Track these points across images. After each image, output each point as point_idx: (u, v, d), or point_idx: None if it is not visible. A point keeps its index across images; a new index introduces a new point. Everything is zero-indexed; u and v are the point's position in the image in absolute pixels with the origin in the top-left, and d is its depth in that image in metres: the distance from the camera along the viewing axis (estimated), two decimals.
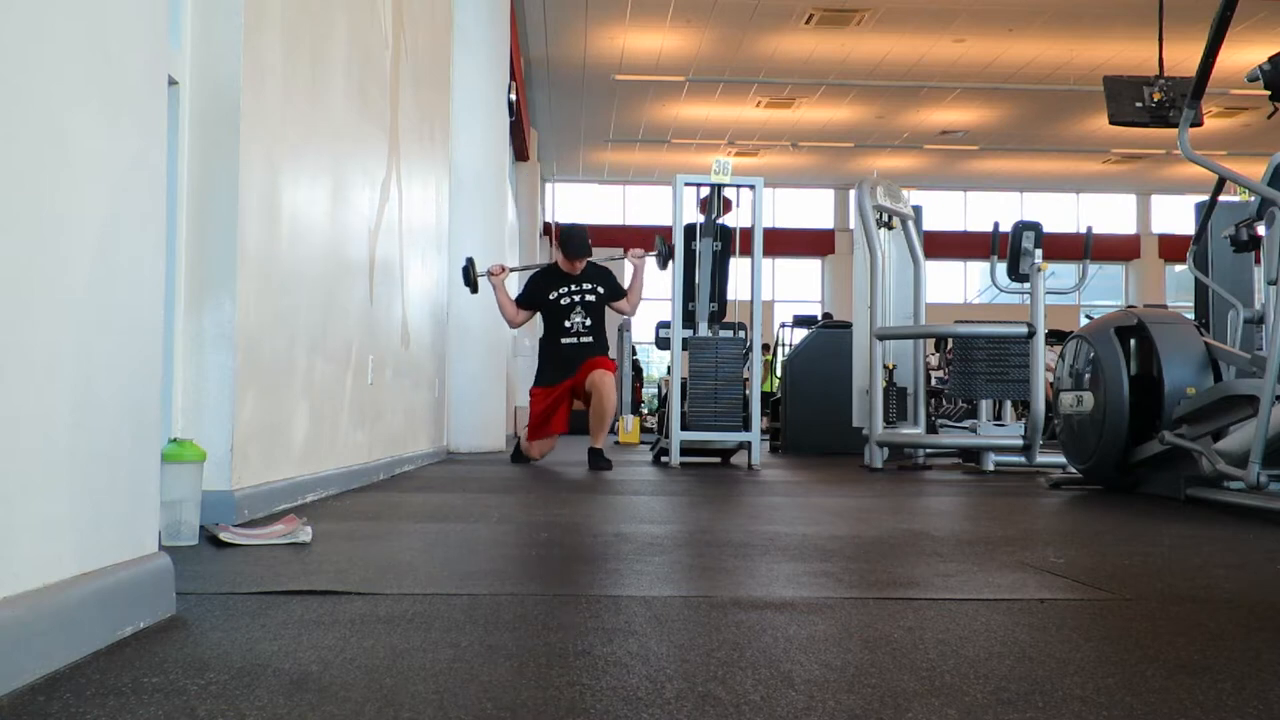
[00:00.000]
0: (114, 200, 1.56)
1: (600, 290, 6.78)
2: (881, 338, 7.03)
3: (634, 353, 16.16)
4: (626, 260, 6.97)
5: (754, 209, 6.86)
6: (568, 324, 6.71)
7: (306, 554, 2.46)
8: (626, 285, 6.94)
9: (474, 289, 6.95)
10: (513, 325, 7.22)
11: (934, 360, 10.94)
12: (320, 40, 4.03)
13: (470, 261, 6.92)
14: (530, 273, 7.10)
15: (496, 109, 9.11)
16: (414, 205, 6.10)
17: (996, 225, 8.20)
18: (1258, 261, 5.63)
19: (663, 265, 6.91)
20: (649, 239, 6.99)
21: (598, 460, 6.41)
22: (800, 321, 14.22)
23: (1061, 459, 5.72)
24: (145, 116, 1.66)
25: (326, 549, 2.57)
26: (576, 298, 6.72)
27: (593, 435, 6.66)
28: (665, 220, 6.97)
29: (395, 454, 5.61)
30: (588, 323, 6.71)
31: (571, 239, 6.80)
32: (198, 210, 3.00)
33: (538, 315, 6.94)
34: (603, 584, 2.17)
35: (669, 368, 8.43)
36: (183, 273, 2.96)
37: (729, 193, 7.09)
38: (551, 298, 6.74)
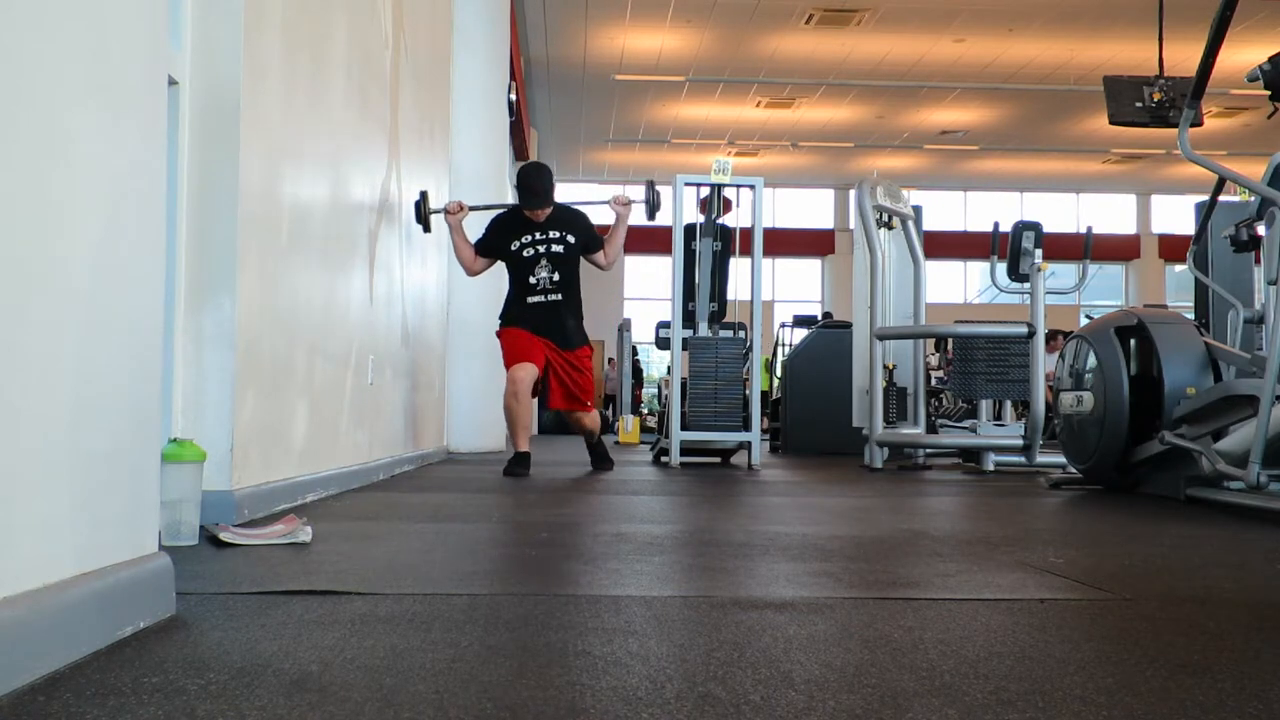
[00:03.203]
0: (114, 200, 1.55)
1: (570, 239, 5.73)
2: (881, 338, 7.03)
3: (634, 353, 16.15)
4: (609, 207, 6.03)
5: (754, 209, 6.86)
6: (533, 280, 5.69)
7: (306, 554, 2.46)
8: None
9: (426, 228, 5.98)
10: (470, 273, 6.03)
11: (934, 360, 10.95)
12: (320, 40, 4.03)
13: (423, 195, 5.92)
14: (496, 214, 6.01)
15: (496, 109, 9.12)
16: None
17: (996, 225, 8.21)
18: (1258, 261, 5.63)
19: (650, 215, 6.09)
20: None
21: (599, 459, 6.23)
22: (800, 321, 14.22)
23: (1061, 459, 5.72)
24: (145, 117, 1.66)
25: (326, 549, 2.56)
26: (541, 248, 5.68)
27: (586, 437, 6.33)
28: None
29: (395, 454, 5.61)
30: (555, 278, 5.69)
31: (528, 188, 5.67)
32: (198, 210, 3.00)
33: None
34: (603, 584, 2.16)
35: (669, 368, 8.43)
36: (183, 273, 2.96)
37: (729, 193, 7.08)
38: (513, 248, 5.71)
